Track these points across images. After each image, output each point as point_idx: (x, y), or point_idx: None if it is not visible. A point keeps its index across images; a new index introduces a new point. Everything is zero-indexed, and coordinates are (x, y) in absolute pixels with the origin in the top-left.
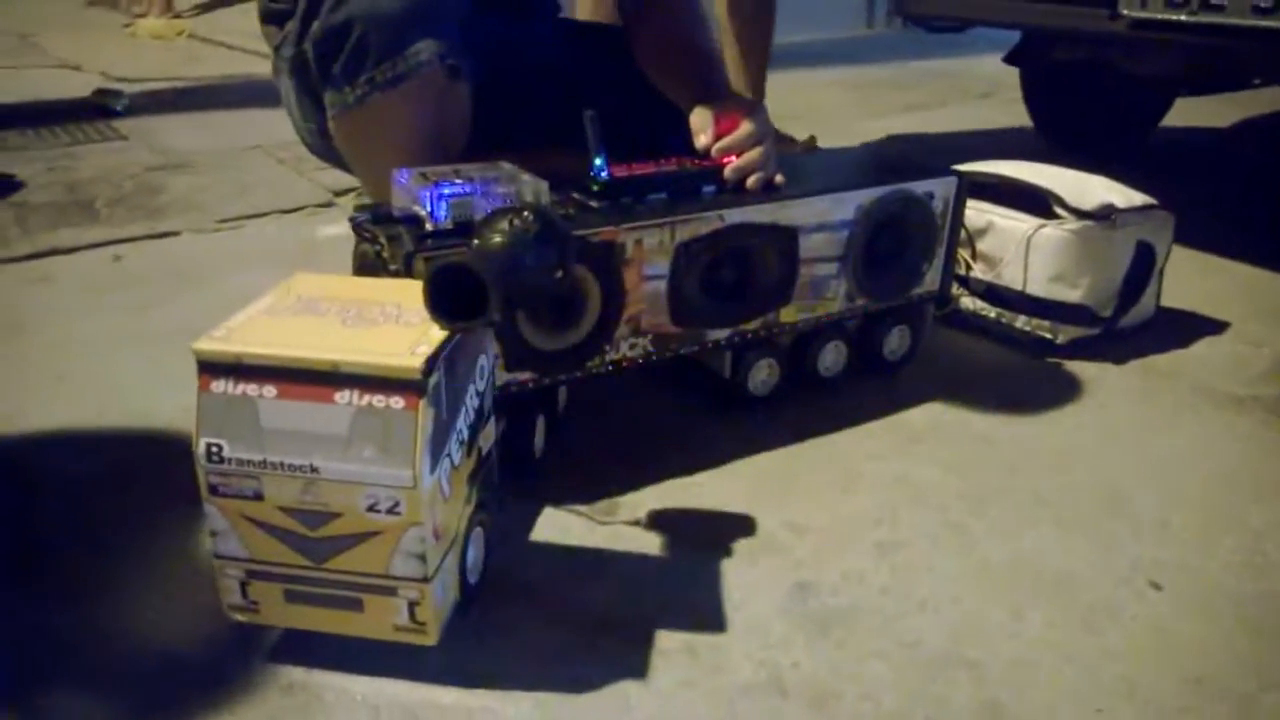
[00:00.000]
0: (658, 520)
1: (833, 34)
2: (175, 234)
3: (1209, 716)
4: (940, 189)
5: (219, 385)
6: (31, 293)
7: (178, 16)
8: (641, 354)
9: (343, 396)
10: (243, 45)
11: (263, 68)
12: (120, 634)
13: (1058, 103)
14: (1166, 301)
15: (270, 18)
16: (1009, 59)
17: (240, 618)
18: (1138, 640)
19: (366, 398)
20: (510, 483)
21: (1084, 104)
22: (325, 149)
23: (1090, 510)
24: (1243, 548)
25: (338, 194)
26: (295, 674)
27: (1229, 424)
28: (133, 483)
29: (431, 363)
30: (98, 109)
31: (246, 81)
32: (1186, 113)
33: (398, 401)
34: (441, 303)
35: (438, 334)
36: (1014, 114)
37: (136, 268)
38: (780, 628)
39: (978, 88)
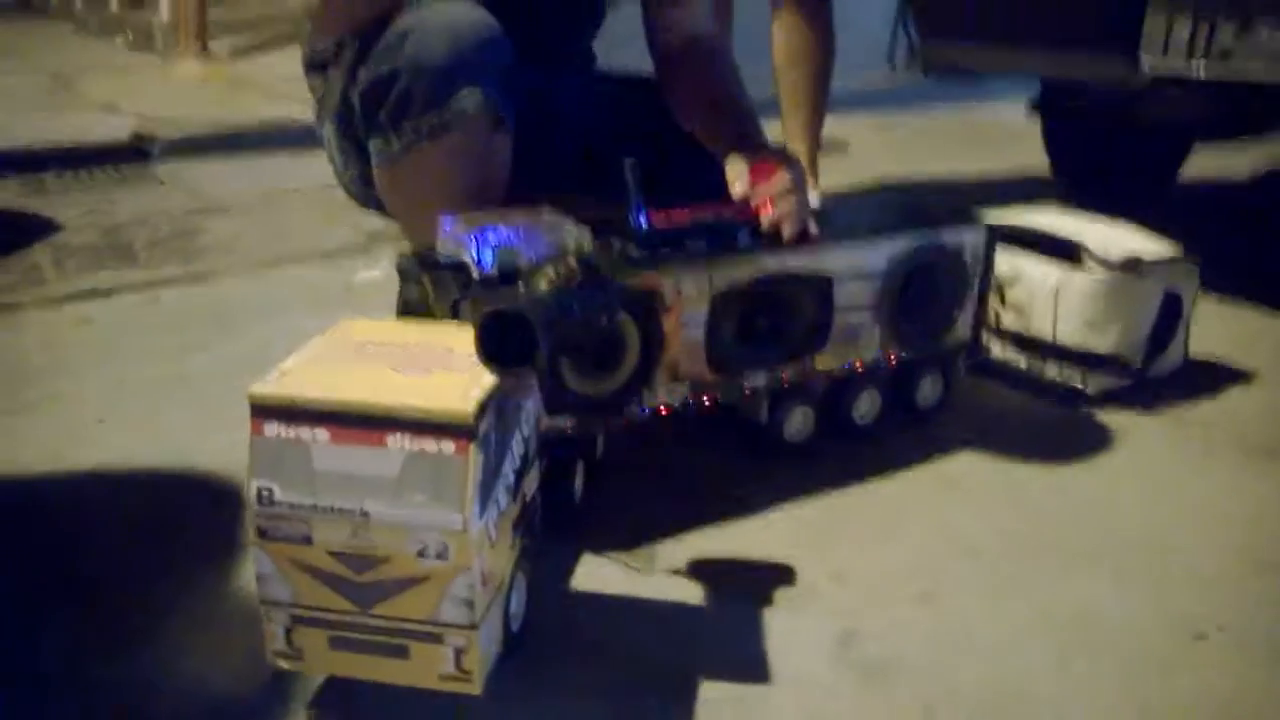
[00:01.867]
0: (698, 569)
1: (854, 80)
2: (213, 277)
3: None
4: (971, 239)
5: (272, 429)
6: (71, 334)
7: (215, 60)
8: (680, 401)
9: (394, 441)
10: (279, 89)
11: (299, 110)
12: (162, 682)
13: (1078, 150)
14: (1195, 349)
15: (314, 67)
16: (1032, 106)
17: (284, 665)
18: (1181, 692)
19: (418, 443)
20: (550, 529)
21: (1104, 151)
22: (367, 196)
23: (1130, 559)
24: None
25: (374, 237)
26: None
27: (1263, 472)
28: (173, 526)
29: (482, 408)
30: (135, 152)
31: (283, 125)
32: (1206, 161)
33: (448, 446)
34: (492, 348)
35: (487, 379)
36: (1035, 160)
37: (175, 310)
38: (826, 677)
39: (1000, 134)
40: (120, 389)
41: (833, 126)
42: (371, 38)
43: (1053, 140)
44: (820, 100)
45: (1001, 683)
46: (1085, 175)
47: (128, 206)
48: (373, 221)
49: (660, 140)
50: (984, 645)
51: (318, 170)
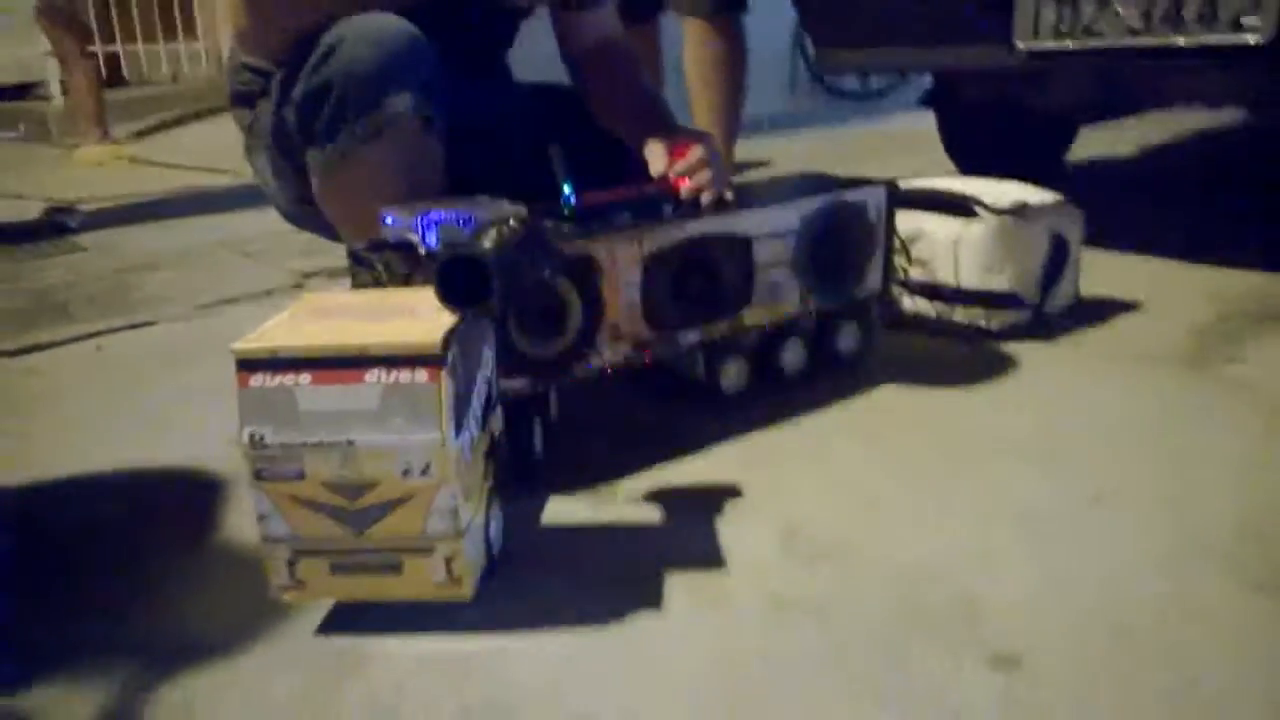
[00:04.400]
0: (656, 496)
1: (760, 107)
2: (153, 323)
3: (1142, 579)
4: (873, 198)
5: (257, 379)
6: (19, 383)
7: (116, 143)
8: (623, 358)
9: (372, 376)
10: (184, 163)
11: (208, 179)
12: (176, 620)
13: (972, 141)
14: (1086, 290)
15: (240, 100)
16: (923, 102)
17: (289, 597)
18: (1085, 540)
19: (393, 374)
20: (516, 480)
21: (995, 139)
22: (303, 216)
23: (1038, 449)
24: (1163, 470)
25: (307, 275)
26: (344, 641)
27: (1151, 376)
28: (152, 519)
29: (447, 342)
30: (53, 226)
31: (194, 194)
32: (1097, 145)
33: (421, 375)
34: (450, 289)
35: (449, 320)
36: (938, 161)
37: (121, 355)
38: (776, 563)
39: (903, 143)
40: (78, 422)
41: (750, 148)
42: (299, 58)
43: (947, 134)
44: (732, 103)
45: (937, 552)
46: (980, 162)
47: (55, 273)
48: (303, 263)
49: (583, 133)
50: (912, 529)
51: (241, 224)
